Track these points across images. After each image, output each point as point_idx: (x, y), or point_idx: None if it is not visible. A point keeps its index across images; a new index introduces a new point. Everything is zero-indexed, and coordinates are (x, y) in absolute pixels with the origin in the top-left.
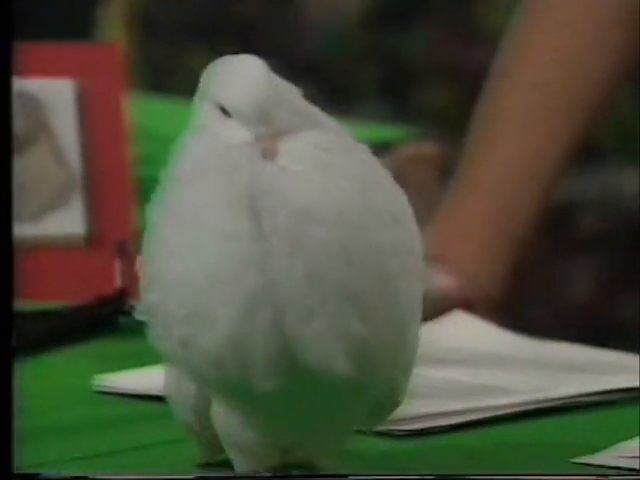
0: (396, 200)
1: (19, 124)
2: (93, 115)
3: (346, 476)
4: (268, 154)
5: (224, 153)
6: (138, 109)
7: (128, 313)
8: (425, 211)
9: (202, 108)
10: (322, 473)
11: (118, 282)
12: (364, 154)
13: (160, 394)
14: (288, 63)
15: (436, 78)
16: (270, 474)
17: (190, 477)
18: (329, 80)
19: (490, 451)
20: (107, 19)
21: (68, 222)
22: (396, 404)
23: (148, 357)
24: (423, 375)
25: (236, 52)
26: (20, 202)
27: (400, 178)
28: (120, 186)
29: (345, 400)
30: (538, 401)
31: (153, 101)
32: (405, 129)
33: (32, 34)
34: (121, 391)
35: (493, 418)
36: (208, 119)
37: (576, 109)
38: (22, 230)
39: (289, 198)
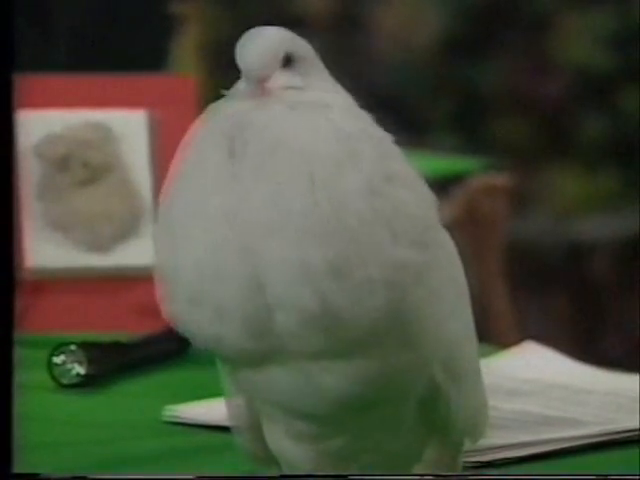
0: (379, 148)
1: (92, 155)
2: (165, 146)
3: (346, 476)
4: (260, 95)
5: (219, 105)
6: None
7: None
8: (497, 240)
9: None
10: (321, 473)
11: None
12: (358, 111)
13: (229, 425)
14: (361, 95)
15: (508, 110)
16: (272, 474)
17: (190, 477)
18: (403, 112)
19: None
20: (179, 50)
21: (138, 253)
22: (451, 419)
23: (218, 387)
24: (494, 406)
25: None
26: (91, 233)
27: (472, 209)
28: None
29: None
30: (609, 433)
31: None
32: (477, 160)
33: (105, 66)
34: (191, 422)
35: (563, 450)
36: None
37: None
38: (92, 261)
39: (262, 129)
